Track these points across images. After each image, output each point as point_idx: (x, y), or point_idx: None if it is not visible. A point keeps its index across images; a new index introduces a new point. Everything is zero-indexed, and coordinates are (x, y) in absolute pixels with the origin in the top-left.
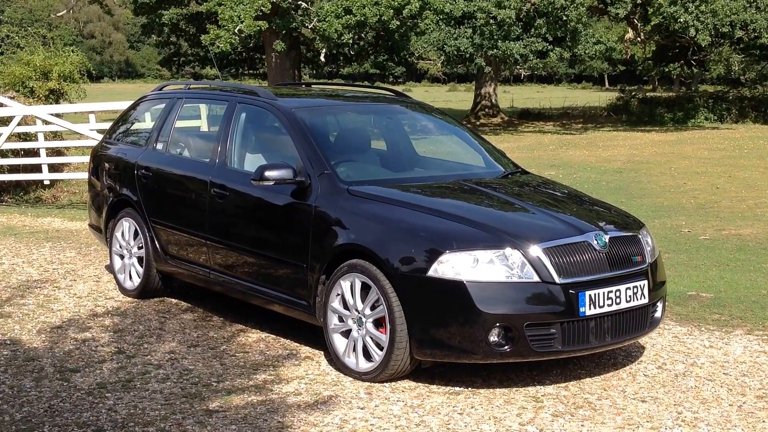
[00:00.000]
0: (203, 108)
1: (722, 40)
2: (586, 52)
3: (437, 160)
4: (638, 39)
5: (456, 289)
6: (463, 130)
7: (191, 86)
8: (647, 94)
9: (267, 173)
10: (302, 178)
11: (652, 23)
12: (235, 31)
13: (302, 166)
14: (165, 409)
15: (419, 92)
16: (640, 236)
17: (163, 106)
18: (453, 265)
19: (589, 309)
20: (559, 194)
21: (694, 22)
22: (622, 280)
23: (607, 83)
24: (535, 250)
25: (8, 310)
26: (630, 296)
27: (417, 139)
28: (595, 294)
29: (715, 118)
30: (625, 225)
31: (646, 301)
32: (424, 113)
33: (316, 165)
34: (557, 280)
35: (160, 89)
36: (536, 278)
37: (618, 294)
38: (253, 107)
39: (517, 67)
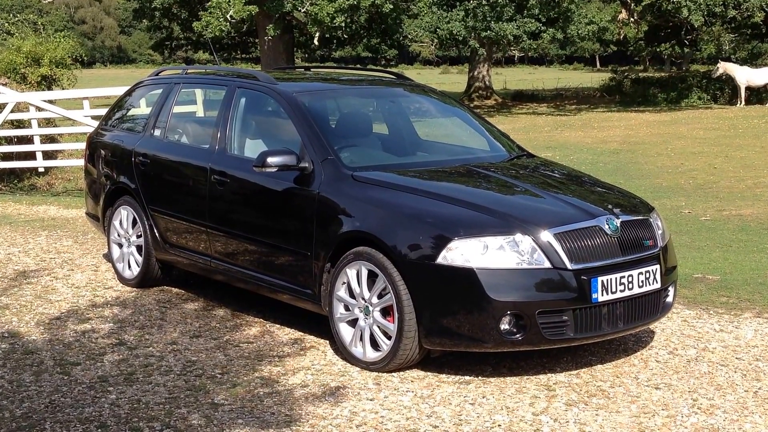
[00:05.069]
0: (199, 93)
1: (715, 20)
2: (579, 32)
3: (441, 144)
4: (631, 19)
5: (466, 276)
6: (467, 113)
7: (188, 71)
8: (640, 74)
9: (269, 159)
10: (305, 164)
11: (643, 3)
12: (226, 17)
13: (305, 152)
14: (169, 403)
15: (411, 75)
16: (651, 220)
17: (160, 91)
18: (462, 252)
19: (602, 295)
20: (566, 178)
21: (687, 2)
22: (634, 265)
23: (598, 64)
24: (546, 236)
25: (5, 301)
26: (642, 281)
27: (419, 122)
28: (607, 280)
29: (709, 98)
30: (636, 208)
31: (658, 286)
32: (426, 96)
33: (319, 150)
34: (569, 266)
35: (157, 74)
36: (547, 264)
37: (630, 279)
38: (253, 92)
39: (511, 48)
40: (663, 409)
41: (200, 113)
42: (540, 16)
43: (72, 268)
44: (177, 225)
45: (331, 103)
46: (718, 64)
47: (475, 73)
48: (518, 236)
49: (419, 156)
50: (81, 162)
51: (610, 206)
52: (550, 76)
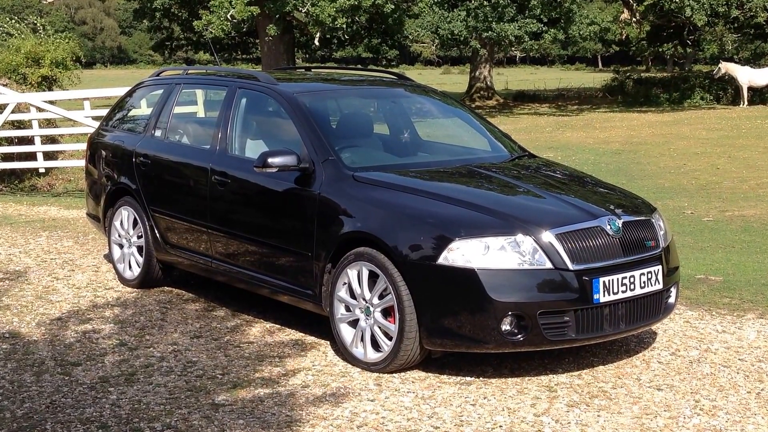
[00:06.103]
0: (200, 93)
1: (718, 20)
2: (581, 32)
3: (442, 144)
4: (633, 19)
5: (467, 277)
6: (468, 113)
7: (189, 71)
8: (642, 74)
9: (270, 160)
10: (306, 164)
11: (646, 3)
12: (227, 16)
13: (306, 153)
14: (170, 404)
15: (413, 75)
16: (653, 220)
17: (161, 92)
18: (464, 253)
19: (603, 296)
20: (568, 178)
21: (690, 1)
22: (636, 266)
23: (600, 64)
24: (547, 236)
25: (6, 302)
26: (644, 282)
27: (420, 122)
28: (609, 280)
29: (711, 98)
30: (638, 209)
31: (660, 286)
32: (427, 97)
33: (320, 151)
34: (570, 266)
35: (158, 75)
36: (549, 265)
37: (632, 280)
38: (253, 92)
39: (512, 48)
40: (665, 411)
41: (201, 114)
42: (541, 17)
43: (73, 268)
44: (178, 225)
45: (332, 103)
46: (720, 65)
47: (477, 73)
48: (519, 237)
49: (420, 156)
50: (82, 163)
51: (611, 207)
52: (551, 76)
